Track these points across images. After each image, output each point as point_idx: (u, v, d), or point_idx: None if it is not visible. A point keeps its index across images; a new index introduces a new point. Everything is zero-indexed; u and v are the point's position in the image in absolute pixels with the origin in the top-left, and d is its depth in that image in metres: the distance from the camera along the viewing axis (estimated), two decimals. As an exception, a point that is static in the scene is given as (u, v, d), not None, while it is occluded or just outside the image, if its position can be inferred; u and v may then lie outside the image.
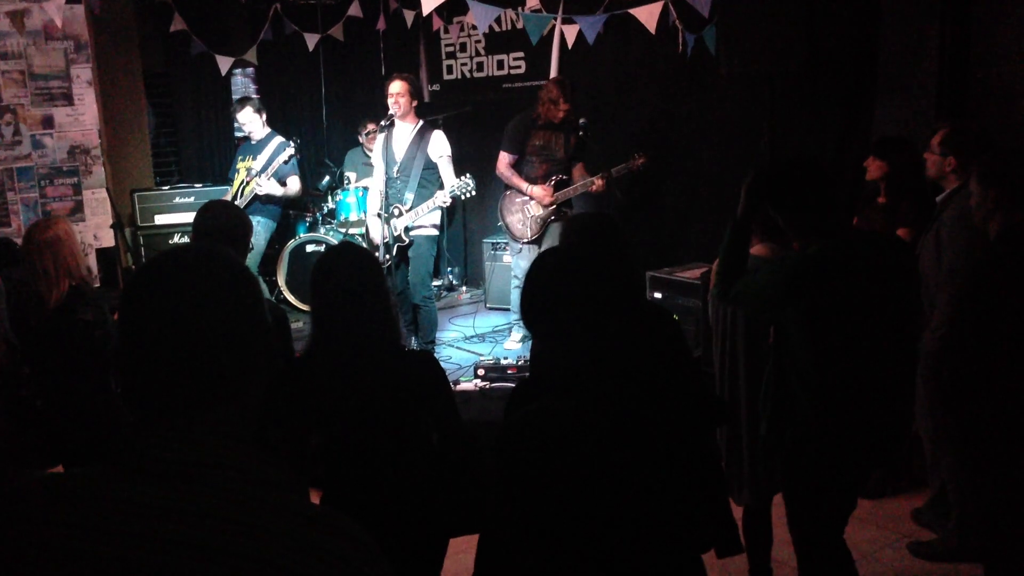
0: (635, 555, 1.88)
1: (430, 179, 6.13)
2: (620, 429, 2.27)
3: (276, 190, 6.78)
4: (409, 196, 6.05)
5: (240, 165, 7.04)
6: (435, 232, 6.28)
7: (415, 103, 6.15)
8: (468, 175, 6.03)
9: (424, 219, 6.11)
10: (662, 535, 2.35)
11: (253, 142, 7.00)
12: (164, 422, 1.18)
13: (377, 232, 6.15)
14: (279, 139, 6.95)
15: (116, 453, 1.18)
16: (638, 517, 1.99)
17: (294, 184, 6.90)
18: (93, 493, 1.15)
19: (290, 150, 6.72)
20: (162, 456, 1.15)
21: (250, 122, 6.89)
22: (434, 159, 6.10)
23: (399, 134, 6.17)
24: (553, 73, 7.04)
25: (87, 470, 1.20)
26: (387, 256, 5.99)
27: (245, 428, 1.22)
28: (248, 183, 6.84)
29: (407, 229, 6.08)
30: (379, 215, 6.08)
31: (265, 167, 6.79)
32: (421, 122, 6.22)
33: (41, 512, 1.15)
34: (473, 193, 6.07)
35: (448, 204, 6.14)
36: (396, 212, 6.05)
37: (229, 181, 7.14)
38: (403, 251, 6.16)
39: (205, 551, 1.08)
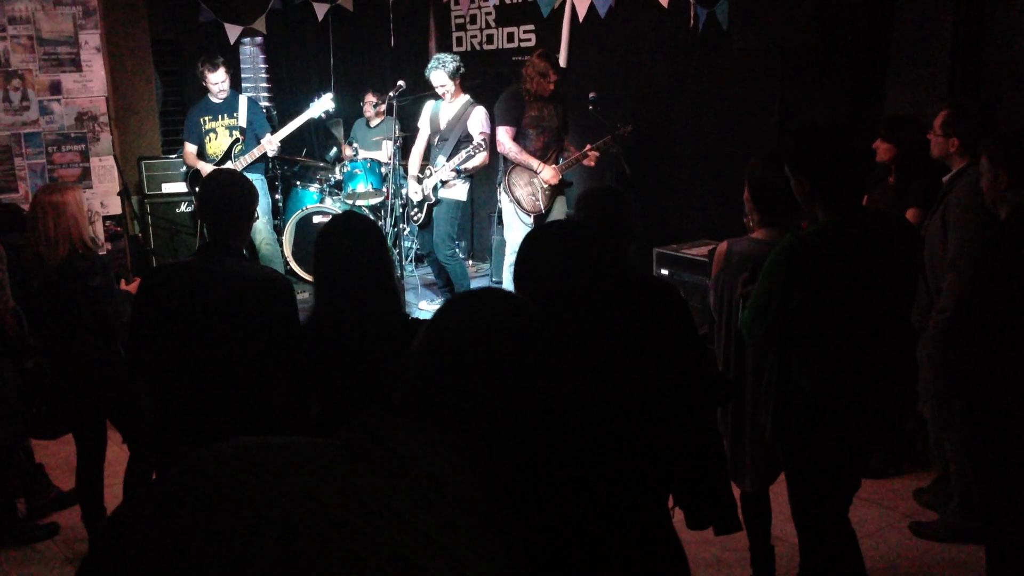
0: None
1: (468, 147, 6.66)
2: (619, 405, 2.27)
3: (276, 145, 6.93)
4: (442, 160, 6.63)
5: (215, 125, 7.02)
6: (461, 199, 6.82)
7: (459, 81, 6.63)
8: (479, 142, 6.42)
9: (453, 187, 6.71)
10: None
11: (218, 101, 7.00)
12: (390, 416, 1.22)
13: (413, 192, 6.84)
14: (243, 96, 7.15)
15: (347, 431, 1.22)
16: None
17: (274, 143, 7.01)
18: (304, 461, 1.17)
19: (264, 103, 6.85)
20: (383, 444, 1.19)
21: (223, 81, 6.91)
22: (472, 133, 6.59)
23: (446, 107, 6.73)
24: (564, 47, 7.01)
25: (317, 440, 1.23)
26: (420, 214, 6.84)
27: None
28: (240, 143, 6.91)
29: (435, 189, 6.69)
30: (417, 177, 6.81)
31: (258, 126, 6.99)
32: (468, 97, 6.73)
33: (251, 468, 1.17)
34: (478, 151, 6.43)
35: (462, 169, 6.60)
36: (428, 173, 6.73)
37: (192, 141, 7.06)
38: (431, 210, 6.84)
39: (382, 547, 1.09)
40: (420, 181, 6.77)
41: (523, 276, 2.38)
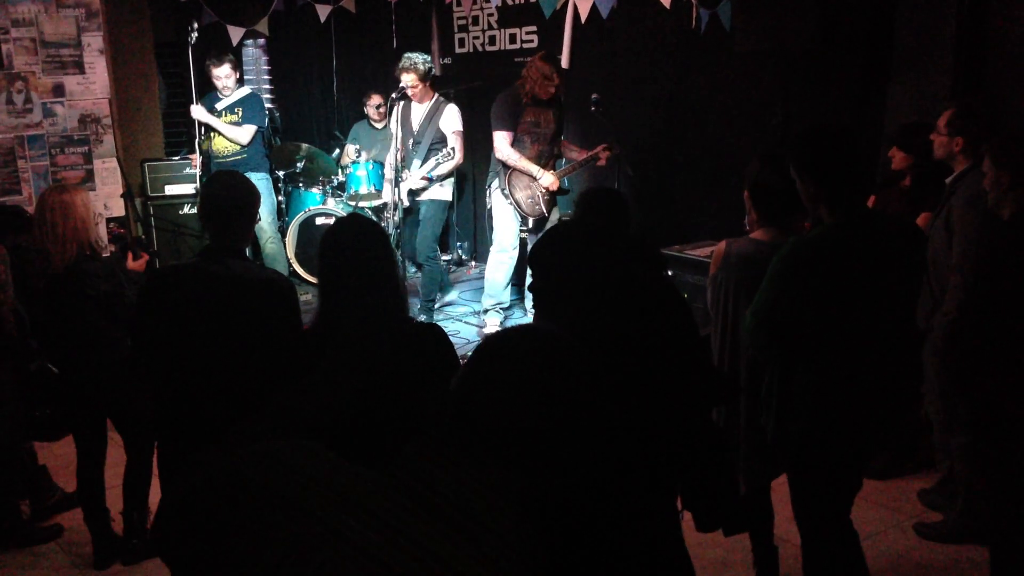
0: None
1: (441, 151, 6.52)
2: (623, 406, 2.26)
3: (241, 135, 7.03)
4: (417, 163, 6.54)
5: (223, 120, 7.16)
6: (446, 199, 6.76)
7: (429, 83, 6.53)
8: (450, 148, 6.43)
9: (435, 188, 6.61)
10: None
11: (222, 97, 7.08)
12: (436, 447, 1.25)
13: (388, 196, 6.69)
14: (247, 88, 7.31)
15: (396, 470, 1.25)
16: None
17: (247, 133, 7.08)
18: (348, 482, 1.21)
19: (267, 104, 7.00)
20: (428, 485, 1.21)
21: (227, 76, 7.00)
22: (445, 132, 6.50)
23: (416, 107, 6.60)
24: (566, 48, 7.00)
25: (370, 476, 1.25)
26: (396, 218, 6.51)
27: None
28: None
29: (411, 193, 6.56)
30: (392, 181, 6.55)
31: (247, 112, 7.12)
32: (437, 96, 6.63)
33: (300, 474, 1.20)
34: (447, 159, 6.42)
35: (433, 176, 6.53)
36: (403, 177, 6.50)
37: (204, 139, 7.16)
38: (406, 213, 6.63)
39: None
40: (397, 185, 6.58)
41: (542, 287, 2.41)
